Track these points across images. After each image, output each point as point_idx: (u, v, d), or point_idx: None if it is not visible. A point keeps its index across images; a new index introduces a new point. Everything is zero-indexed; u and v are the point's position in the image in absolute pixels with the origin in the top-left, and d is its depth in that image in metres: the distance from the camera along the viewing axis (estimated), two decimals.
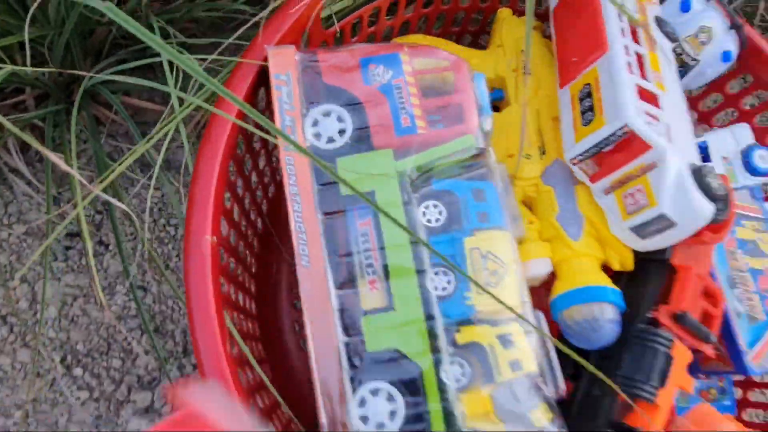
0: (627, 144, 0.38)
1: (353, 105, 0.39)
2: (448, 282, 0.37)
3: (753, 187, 0.52)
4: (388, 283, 0.36)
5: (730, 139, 0.52)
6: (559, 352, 0.45)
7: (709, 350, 0.42)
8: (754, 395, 0.57)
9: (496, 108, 0.49)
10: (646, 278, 0.43)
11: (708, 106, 0.60)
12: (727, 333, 0.48)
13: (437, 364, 0.35)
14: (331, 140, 0.38)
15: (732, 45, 0.50)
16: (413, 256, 0.37)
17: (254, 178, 0.50)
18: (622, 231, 0.41)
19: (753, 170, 0.50)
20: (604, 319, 0.40)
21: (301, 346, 0.55)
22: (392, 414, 0.34)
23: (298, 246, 0.36)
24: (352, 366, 0.35)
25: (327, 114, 0.38)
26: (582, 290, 0.40)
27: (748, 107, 0.56)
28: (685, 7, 0.48)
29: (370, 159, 0.37)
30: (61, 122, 0.58)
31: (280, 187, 0.55)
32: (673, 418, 0.41)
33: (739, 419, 0.55)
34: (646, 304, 0.42)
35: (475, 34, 0.61)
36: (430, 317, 0.36)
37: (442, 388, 0.35)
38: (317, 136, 0.38)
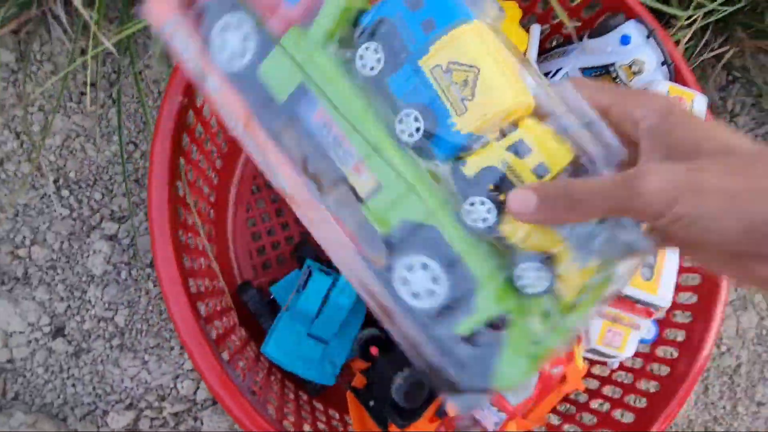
0: None
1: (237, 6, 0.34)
2: (416, 119, 0.31)
3: None
4: (369, 160, 0.32)
5: None
6: None
7: None
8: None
9: None
10: None
11: None
12: None
13: (451, 213, 0.31)
14: (239, 55, 0.34)
15: (661, 78, 0.58)
16: (375, 118, 0.32)
17: None
18: None
19: None
20: None
21: None
22: (435, 280, 0.32)
23: (266, 171, 0.36)
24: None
25: (225, 29, 0.34)
26: None
27: None
28: (625, 41, 0.57)
29: (283, 51, 0.33)
30: None
31: None
32: None
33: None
34: None
35: None
36: (420, 172, 0.31)
37: (463, 233, 0.31)
38: (223, 51, 0.35)
